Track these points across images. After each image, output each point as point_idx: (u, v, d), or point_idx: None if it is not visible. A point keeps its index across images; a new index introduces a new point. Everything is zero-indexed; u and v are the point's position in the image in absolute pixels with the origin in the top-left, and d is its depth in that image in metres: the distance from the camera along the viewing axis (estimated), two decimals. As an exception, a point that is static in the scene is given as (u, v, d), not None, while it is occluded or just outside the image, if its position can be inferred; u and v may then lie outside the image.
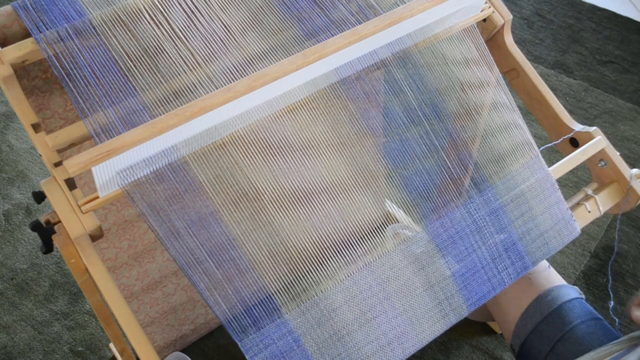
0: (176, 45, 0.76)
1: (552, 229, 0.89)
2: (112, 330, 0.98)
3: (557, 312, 0.91)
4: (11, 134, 1.72)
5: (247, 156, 0.76)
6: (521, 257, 0.86)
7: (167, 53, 0.76)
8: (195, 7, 0.79)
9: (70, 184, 0.72)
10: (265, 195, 0.77)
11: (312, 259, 0.77)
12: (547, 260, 0.96)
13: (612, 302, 1.35)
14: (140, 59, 0.74)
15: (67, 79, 0.71)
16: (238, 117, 0.75)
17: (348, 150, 0.83)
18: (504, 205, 0.86)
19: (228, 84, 0.73)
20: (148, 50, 0.75)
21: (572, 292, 0.94)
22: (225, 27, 0.79)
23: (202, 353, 1.32)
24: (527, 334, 0.92)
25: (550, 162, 0.94)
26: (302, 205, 0.78)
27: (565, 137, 1.00)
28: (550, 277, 0.96)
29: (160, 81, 0.74)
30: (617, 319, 1.35)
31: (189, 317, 1.28)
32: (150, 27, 0.76)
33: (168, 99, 0.73)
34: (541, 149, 0.92)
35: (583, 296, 0.96)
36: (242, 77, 0.74)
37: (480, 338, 1.33)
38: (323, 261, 0.77)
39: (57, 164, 0.71)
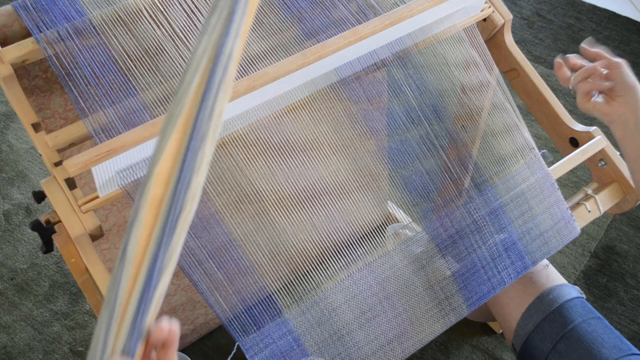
0: (176, 45, 0.76)
1: (552, 229, 0.89)
2: (112, 330, 0.97)
3: (558, 311, 0.91)
4: (11, 134, 1.72)
5: (247, 157, 0.76)
6: (521, 256, 0.86)
7: (168, 53, 0.76)
8: (196, 6, 0.79)
9: (70, 183, 0.72)
10: (266, 196, 0.77)
11: (312, 259, 0.77)
12: (547, 259, 0.96)
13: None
14: (141, 58, 0.74)
15: (67, 79, 0.71)
16: (238, 117, 0.75)
17: (349, 151, 0.83)
18: (503, 205, 0.86)
19: (228, 83, 0.73)
20: (148, 50, 0.75)
21: (573, 292, 0.94)
22: (226, 27, 0.79)
23: (202, 353, 1.32)
24: (529, 333, 0.92)
25: (550, 162, 0.94)
26: (303, 206, 0.78)
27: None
28: (551, 276, 0.96)
29: (161, 81, 0.74)
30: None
31: (189, 317, 1.28)
32: (150, 26, 0.76)
33: (168, 99, 0.73)
34: (541, 151, 0.92)
35: (584, 295, 0.96)
36: (242, 77, 0.74)
37: (480, 338, 1.33)
38: (323, 261, 0.77)
39: (57, 164, 0.71)
